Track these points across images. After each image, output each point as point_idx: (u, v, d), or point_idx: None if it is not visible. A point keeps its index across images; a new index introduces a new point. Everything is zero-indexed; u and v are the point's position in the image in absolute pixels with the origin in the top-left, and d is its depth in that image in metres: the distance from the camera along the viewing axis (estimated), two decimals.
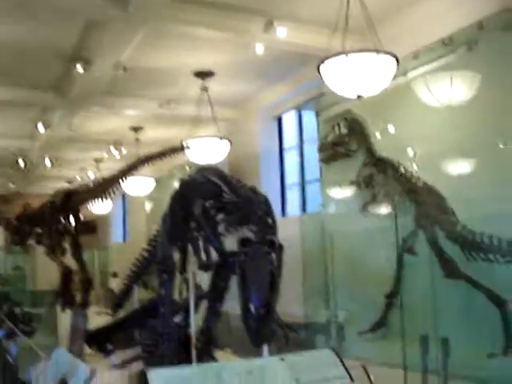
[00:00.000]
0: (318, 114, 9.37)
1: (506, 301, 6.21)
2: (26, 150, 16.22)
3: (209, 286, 4.97)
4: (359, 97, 6.42)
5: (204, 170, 4.90)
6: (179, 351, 4.83)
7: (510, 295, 6.18)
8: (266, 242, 3.64)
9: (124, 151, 15.26)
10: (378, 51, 6.18)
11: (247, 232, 4.18)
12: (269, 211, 3.94)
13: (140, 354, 5.39)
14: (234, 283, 4.99)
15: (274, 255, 3.59)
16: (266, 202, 3.99)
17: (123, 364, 5.66)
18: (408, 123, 7.76)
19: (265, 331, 3.45)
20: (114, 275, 17.16)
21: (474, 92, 6.97)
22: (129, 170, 9.91)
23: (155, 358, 4.79)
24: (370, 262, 7.88)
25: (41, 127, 12.76)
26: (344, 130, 8.33)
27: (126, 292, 7.06)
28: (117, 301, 7.34)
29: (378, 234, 7.86)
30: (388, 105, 7.86)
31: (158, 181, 15.23)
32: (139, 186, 14.36)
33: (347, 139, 8.21)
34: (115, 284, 15.68)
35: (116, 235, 23.62)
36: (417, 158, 7.45)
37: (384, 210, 7.61)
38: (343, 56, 6.09)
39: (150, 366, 4.72)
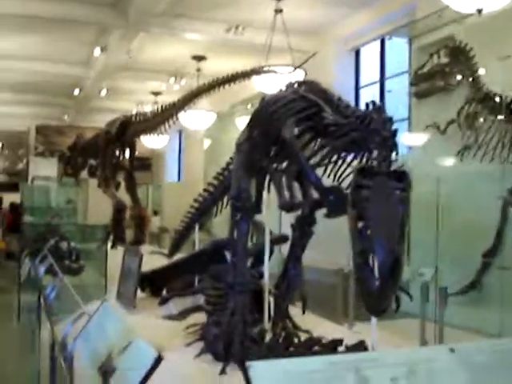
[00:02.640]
0: (411, 42, 8.14)
1: None
2: (81, 79, 15.48)
3: (294, 230, 4.01)
4: (479, 11, 5.27)
5: (296, 85, 3.86)
6: (252, 306, 3.89)
7: None
8: (396, 175, 2.62)
9: (183, 83, 14.32)
10: None
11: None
12: (395, 135, 2.92)
13: (202, 304, 4.49)
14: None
15: (405, 194, 2.57)
16: (391, 122, 2.95)
17: (181, 315, 4.81)
18: None
19: (389, 295, 2.48)
20: (155, 213, 16.56)
21: None
22: (191, 97, 8.98)
23: (221, 311, 3.88)
24: (465, 213, 6.79)
25: (97, 51, 11.89)
26: (445, 60, 7.13)
27: (186, 232, 6.19)
28: (174, 242, 6.51)
29: (478, 181, 6.76)
30: (502, 31, 6.62)
31: (218, 117, 14.24)
32: (198, 120, 13.38)
33: (448, 70, 7.03)
34: (157, 222, 15.24)
35: (170, 174, 22.96)
36: None
37: (488, 154, 6.45)
38: None
39: (214, 320, 3.87)
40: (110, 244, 9.43)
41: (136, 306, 5.13)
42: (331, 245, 6.21)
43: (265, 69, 7.77)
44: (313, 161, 3.44)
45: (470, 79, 6.78)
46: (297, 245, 4.01)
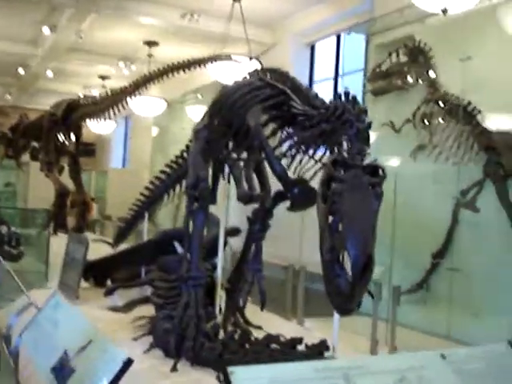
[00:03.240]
0: (369, 39, 8.09)
1: None
2: (27, 57, 14.88)
3: (252, 223, 3.85)
4: (444, 11, 5.24)
5: (261, 72, 3.71)
6: (204, 301, 3.71)
7: None
8: (370, 169, 2.50)
9: (133, 68, 13.96)
10: None
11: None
12: (370, 127, 2.80)
13: (150, 296, 4.29)
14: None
15: (379, 189, 2.46)
16: (366, 113, 2.83)
17: (127, 307, 4.59)
18: (485, 56, 6.49)
19: (360, 294, 2.38)
20: (93, 200, 16.13)
21: None
22: (142, 83, 8.71)
23: (172, 304, 3.69)
24: (416, 214, 6.80)
25: (46, 30, 11.40)
26: (403, 59, 7.10)
27: (134, 221, 5.96)
28: (121, 231, 6.26)
29: (430, 182, 6.78)
30: (461, 33, 6.63)
31: (168, 104, 13.95)
32: (148, 106, 13.04)
33: (406, 69, 7.00)
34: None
35: (115, 160, 22.47)
36: (493, 98, 6.26)
37: (442, 155, 6.46)
38: None
39: (165, 314, 3.69)
40: (51, 230, 9.09)
41: (79, 297, 4.88)
42: (282, 240, 6.10)
43: (221, 56, 7.59)
44: (278, 152, 3.30)
45: (428, 80, 6.78)
46: (254, 238, 3.86)
